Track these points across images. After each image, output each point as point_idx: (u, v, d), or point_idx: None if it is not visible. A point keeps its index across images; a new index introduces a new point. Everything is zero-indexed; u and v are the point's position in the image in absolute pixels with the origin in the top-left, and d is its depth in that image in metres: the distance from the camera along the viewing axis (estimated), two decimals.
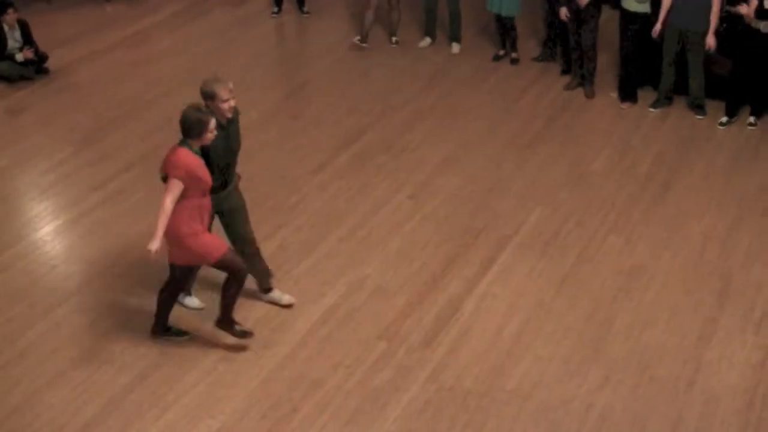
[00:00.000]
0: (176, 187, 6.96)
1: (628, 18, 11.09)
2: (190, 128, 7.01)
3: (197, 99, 11.53)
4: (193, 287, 8.16)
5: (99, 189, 9.87)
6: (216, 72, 7.68)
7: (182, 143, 7.08)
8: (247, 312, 8.01)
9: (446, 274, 8.53)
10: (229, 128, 7.45)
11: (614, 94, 11.69)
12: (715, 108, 11.16)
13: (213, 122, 7.06)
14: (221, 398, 7.17)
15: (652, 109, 11.35)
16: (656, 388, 7.21)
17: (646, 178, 9.96)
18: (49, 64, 12.47)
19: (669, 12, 10.75)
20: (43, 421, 6.97)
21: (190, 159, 7.00)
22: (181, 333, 7.76)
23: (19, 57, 12.08)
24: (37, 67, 12.34)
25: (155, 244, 6.97)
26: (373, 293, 8.29)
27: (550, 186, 9.85)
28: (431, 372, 7.40)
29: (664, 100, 11.37)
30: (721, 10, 10.93)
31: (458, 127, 11.07)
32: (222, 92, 7.27)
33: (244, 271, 7.39)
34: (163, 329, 7.72)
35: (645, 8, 10.89)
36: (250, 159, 10.35)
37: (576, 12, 11.26)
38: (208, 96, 7.30)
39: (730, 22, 10.94)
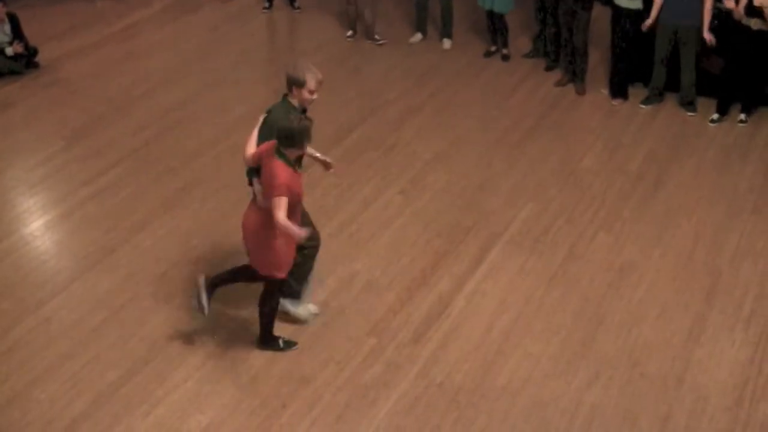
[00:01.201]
0: (284, 203, 6.60)
1: (619, 14, 11.09)
2: (294, 138, 6.60)
3: (186, 95, 11.66)
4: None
5: (89, 184, 9.84)
6: (301, 60, 7.41)
7: (279, 155, 6.68)
8: (235, 308, 8.00)
9: (436, 270, 8.52)
10: None
11: (605, 91, 11.69)
12: (706, 105, 11.18)
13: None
14: (210, 394, 7.16)
15: (643, 106, 11.36)
16: (646, 385, 7.22)
17: (636, 175, 9.97)
18: (39, 58, 12.45)
19: (661, 9, 10.76)
20: (32, 417, 6.95)
21: (290, 176, 6.65)
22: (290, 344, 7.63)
23: (9, 51, 12.05)
24: (27, 61, 12.31)
25: (301, 232, 6.70)
26: (362, 289, 8.28)
27: (540, 183, 9.85)
28: (421, 368, 7.40)
29: (655, 97, 11.38)
30: (713, 7, 10.95)
31: (449, 123, 11.07)
32: (312, 82, 6.93)
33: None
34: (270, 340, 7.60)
35: (637, 4, 10.89)
36: (238, 155, 10.32)
37: (568, 9, 11.26)
38: (297, 82, 6.92)
39: (721, 19, 10.95)
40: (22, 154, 10.45)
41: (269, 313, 7.41)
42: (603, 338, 7.70)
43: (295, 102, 7.07)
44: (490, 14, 12.33)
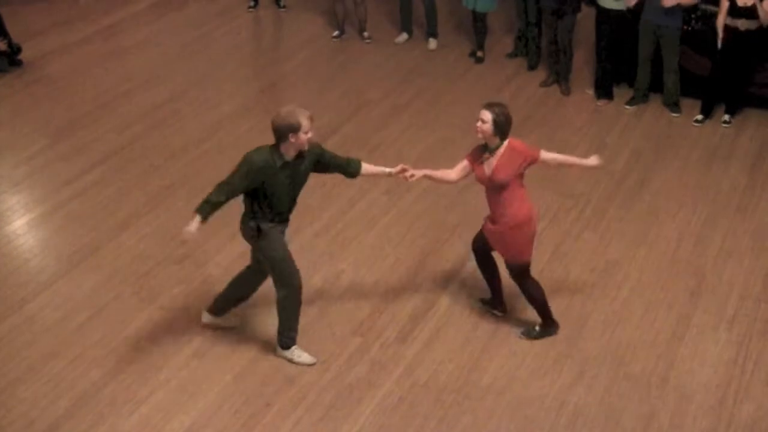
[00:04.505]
0: None
1: (604, 15, 11.12)
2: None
3: (171, 93, 11.63)
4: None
5: (73, 182, 9.80)
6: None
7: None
8: None
9: (421, 269, 8.52)
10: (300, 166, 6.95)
11: (590, 92, 11.71)
12: (690, 106, 11.21)
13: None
14: (194, 394, 7.13)
15: (627, 107, 11.39)
16: (630, 385, 7.23)
17: (621, 175, 9.99)
18: (23, 56, 12.38)
19: (643, 9, 10.79)
20: (15, 416, 6.91)
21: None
22: None
23: None
24: (11, 59, 12.25)
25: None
26: (347, 289, 8.27)
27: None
28: (406, 368, 7.39)
29: (639, 98, 11.41)
30: (697, 8, 10.98)
31: (434, 123, 11.07)
32: (306, 122, 6.69)
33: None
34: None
35: (621, 5, 10.91)
36: (223, 153, 10.33)
37: (555, 9, 11.28)
38: (292, 128, 6.66)
39: (707, 20, 10.98)
40: (5, 152, 10.40)
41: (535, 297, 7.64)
42: (587, 337, 7.71)
43: (288, 149, 6.80)
44: (474, 14, 12.34)
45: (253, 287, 7.52)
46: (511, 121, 7.15)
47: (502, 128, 7.12)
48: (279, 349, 7.47)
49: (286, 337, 7.39)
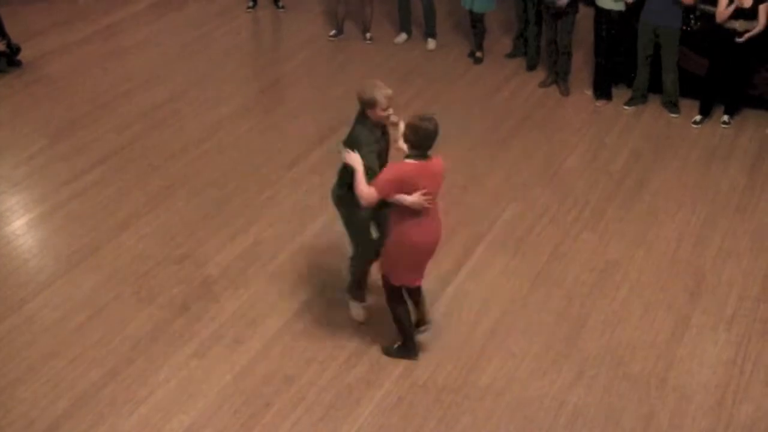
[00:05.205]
0: None
1: (602, 15, 11.12)
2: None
3: (171, 93, 11.63)
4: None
5: (72, 182, 9.80)
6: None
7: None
8: (220, 306, 7.99)
9: None
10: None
11: (589, 92, 11.71)
12: (689, 106, 11.21)
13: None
14: (194, 394, 7.14)
15: (626, 107, 11.39)
16: (629, 385, 7.24)
17: (620, 175, 10.00)
18: (22, 56, 12.37)
19: (642, 9, 10.80)
20: (15, 416, 6.92)
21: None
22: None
23: None
24: (10, 59, 12.24)
25: None
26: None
27: (524, 183, 9.86)
28: (405, 368, 7.40)
29: (638, 99, 11.41)
30: (696, 8, 10.98)
31: None
32: (383, 100, 7.01)
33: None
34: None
35: (620, 6, 10.91)
36: (223, 153, 10.34)
37: (554, 10, 11.28)
38: (368, 103, 7.05)
39: (705, 20, 10.98)
40: (5, 152, 10.40)
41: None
42: (586, 338, 7.72)
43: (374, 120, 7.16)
44: (472, 14, 12.34)
45: None
46: (425, 136, 6.72)
47: (408, 137, 6.76)
48: (347, 294, 7.94)
49: (349, 289, 7.89)
